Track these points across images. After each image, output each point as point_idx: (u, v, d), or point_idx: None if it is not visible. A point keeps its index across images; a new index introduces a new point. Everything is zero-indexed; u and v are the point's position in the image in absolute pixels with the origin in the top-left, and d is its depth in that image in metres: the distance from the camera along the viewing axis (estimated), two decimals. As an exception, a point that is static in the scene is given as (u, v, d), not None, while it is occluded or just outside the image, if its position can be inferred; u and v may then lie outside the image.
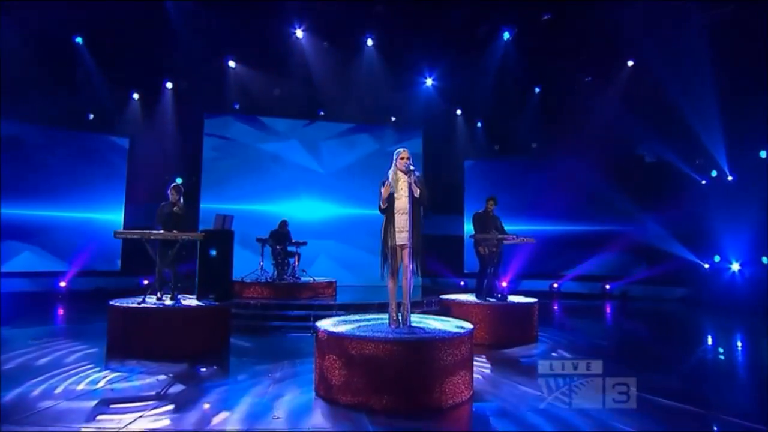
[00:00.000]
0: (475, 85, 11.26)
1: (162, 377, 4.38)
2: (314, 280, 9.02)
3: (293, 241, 9.34)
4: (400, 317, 4.25)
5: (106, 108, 10.71)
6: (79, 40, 9.20)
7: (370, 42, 10.54)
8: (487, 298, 6.61)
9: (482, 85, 11.17)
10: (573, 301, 11.51)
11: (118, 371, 4.54)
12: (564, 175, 12.41)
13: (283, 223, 9.47)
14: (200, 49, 9.69)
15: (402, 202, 4.29)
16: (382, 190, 4.35)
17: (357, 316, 4.90)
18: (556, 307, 10.46)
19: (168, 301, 5.62)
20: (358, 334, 3.81)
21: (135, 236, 5.52)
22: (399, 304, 4.33)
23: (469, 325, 4.33)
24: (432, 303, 8.37)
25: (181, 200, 6.14)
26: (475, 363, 4.29)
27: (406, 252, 4.25)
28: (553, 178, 12.58)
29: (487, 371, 4.91)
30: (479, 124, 13.26)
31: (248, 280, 8.63)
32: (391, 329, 4.12)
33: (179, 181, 11.45)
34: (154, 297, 5.85)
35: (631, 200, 11.62)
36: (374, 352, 3.63)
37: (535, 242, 7.38)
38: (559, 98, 11.76)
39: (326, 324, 4.29)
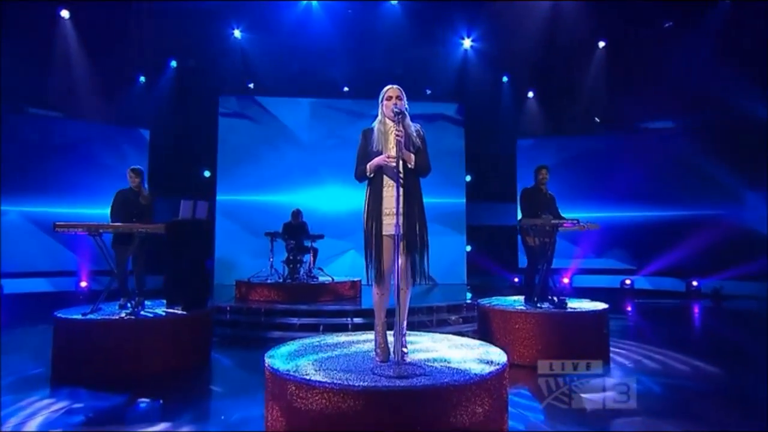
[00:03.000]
0: (524, 45, 9.39)
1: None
2: (333, 279, 7.70)
3: (309, 234, 8.08)
4: (392, 349, 2.79)
5: (116, 96, 9.91)
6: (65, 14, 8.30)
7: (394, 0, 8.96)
8: (539, 304, 4.98)
9: (532, 44, 9.29)
10: (651, 301, 9.49)
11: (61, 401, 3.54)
12: (640, 150, 10.36)
13: (296, 214, 8.22)
14: (206, 23, 8.60)
15: (389, 170, 2.84)
16: (360, 150, 2.95)
17: (344, 337, 3.49)
18: (629, 310, 8.53)
19: (123, 313, 4.48)
20: (307, 376, 2.39)
21: (80, 230, 4.41)
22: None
23: (500, 357, 2.81)
24: (465, 310, 6.84)
25: (146, 186, 5.00)
26: (514, 401, 2.78)
27: (402, 244, 2.80)
28: (624, 155, 10.57)
29: (534, 417, 3.34)
30: (531, 94, 11.35)
31: (255, 281, 7.45)
32: (376, 364, 2.68)
33: (206, 174, 10.55)
34: (118, 306, 4.79)
35: (725, 176, 9.39)
36: (333, 408, 2.22)
37: (601, 229, 5.63)
38: (630, 53, 9.60)
39: (283, 352, 2.92)
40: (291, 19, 8.67)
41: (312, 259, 7.99)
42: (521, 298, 5.51)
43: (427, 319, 6.62)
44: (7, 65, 7.64)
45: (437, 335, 3.60)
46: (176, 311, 4.62)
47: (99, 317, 4.29)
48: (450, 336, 3.51)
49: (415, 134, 2.92)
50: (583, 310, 4.84)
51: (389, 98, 2.95)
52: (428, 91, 10.63)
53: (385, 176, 2.87)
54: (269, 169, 10.59)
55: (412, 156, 2.87)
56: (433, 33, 9.45)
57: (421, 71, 10.12)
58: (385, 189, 2.86)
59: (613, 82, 9.95)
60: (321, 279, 7.80)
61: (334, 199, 10.55)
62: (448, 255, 10.63)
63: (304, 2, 8.69)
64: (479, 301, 5.44)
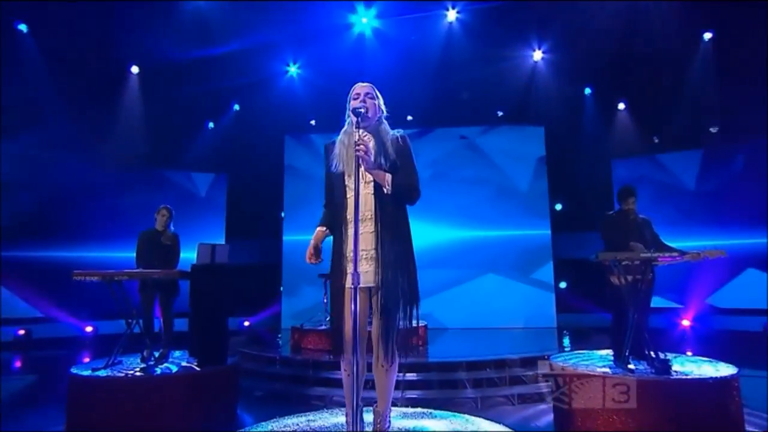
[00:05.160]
0: (606, 49, 8.10)
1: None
2: (392, 325, 6.89)
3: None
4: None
5: (189, 142, 10.33)
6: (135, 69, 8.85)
7: (451, 15, 8.26)
8: (631, 364, 3.76)
9: (616, 47, 7.97)
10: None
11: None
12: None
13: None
14: (262, 64, 8.63)
15: (361, 199, 2.08)
16: (325, 175, 2.25)
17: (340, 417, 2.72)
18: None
19: (138, 368, 4.10)
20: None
21: (96, 278, 4.16)
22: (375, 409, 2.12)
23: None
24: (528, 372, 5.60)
25: (171, 227, 4.71)
26: None
27: (375, 301, 2.03)
28: (751, 169, 8.66)
29: None
30: (622, 106, 9.85)
31: (308, 327, 6.90)
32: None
33: (282, 215, 10.53)
34: (141, 357, 4.46)
35: None
36: None
37: (733, 259, 4.26)
38: (747, 42, 7.80)
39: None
40: (344, 50, 8.37)
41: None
42: (609, 356, 4.29)
43: (496, 376, 5.51)
44: (90, 125, 8.24)
45: (458, 419, 2.67)
46: (193, 366, 4.17)
47: (108, 374, 3.94)
48: (478, 420, 2.56)
49: (390, 144, 2.14)
50: (698, 377, 3.52)
51: (356, 97, 2.23)
52: (500, 113, 9.66)
53: (348, 208, 2.13)
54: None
55: (388, 176, 2.10)
56: (498, 48, 8.56)
57: (489, 92, 9.22)
58: (351, 224, 2.11)
59: (728, 82, 8.19)
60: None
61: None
62: (533, 293, 9.32)
63: (357, 31, 8.36)
64: (552, 357, 4.31)
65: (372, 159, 2.03)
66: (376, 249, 2.02)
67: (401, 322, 2.10)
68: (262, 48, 8.14)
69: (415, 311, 2.16)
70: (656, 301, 8.02)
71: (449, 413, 2.91)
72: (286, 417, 2.83)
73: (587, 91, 9.78)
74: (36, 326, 9.37)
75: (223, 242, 11.29)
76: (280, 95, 9.28)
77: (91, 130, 8.38)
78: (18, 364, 8.01)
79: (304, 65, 9.20)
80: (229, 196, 11.15)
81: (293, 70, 9.25)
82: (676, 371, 3.59)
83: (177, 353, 4.83)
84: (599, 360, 4.22)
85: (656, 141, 9.77)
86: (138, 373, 3.93)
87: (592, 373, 3.66)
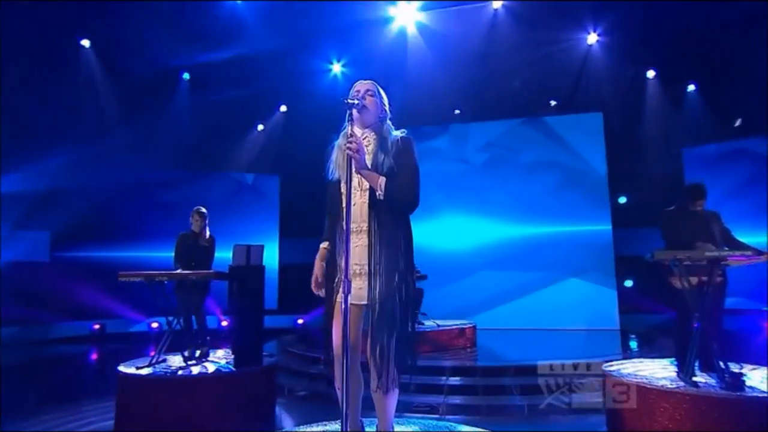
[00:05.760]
0: (673, 26, 7.38)
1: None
2: (437, 325, 6.69)
3: (417, 274, 7.22)
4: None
5: (240, 145, 10.64)
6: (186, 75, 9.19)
7: (497, 3, 7.84)
8: (696, 377, 3.34)
9: (683, 20, 7.24)
10: None
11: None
12: None
13: (401, 251, 7.45)
14: (306, 64, 8.69)
15: (355, 209, 1.97)
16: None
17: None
18: None
19: (178, 367, 4.19)
20: None
21: (139, 278, 4.30)
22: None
23: None
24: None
25: (207, 230, 4.78)
26: None
27: (368, 319, 1.89)
28: None
29: None
30: (691, 88, 8.97)
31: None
32: None
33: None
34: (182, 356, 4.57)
35: None
36: None
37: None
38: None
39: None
40: (386, 45, 8.22)
41: (416, 301, 7.10)
42: (672, 364, 3.85)
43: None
44: (144, 131, 8.68)
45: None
46: (230, 367, 4.21)
47: (149, 372, 4.05)
48: None
49: (391, 145, 1.96)
50: (775, 393, 3.06)
51: (355, 95, 2.09)
52: (552, 102, 9.12)
53: (346, 217, 1.97)
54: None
55: (381, 179, 1.92)
56: (548, 33, 8.05)
57: (540, 80, 8.72)
58: (349, 235, 1.94)
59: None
60: (426, 325, 6.85)
61: (449, 233, 9.58)
62: (592, 293, 8.73)
63: (397, 27, 8.17)
64: (606, 367, 3.94)
65: (364, 158, 1.87)
66: (369, 263, 1.87)
67: (397, 342, 1.92)
68: (304, 48, 8.18)
69: (406, 337, 1.97)
70: (737, 303, 7.24)
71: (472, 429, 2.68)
72: (307, 425, 2.73)
73: (650, 73, 9.00)
74: (109, 321, 10.05)
75: (276, 242, 11.56)
76: (325, 94, 9.30)
77: (145, 136, 8.83)
78: (94, 356, 8.59)
79: (348, 63, 9.17)
80: (281, 196, 11.39)
81: (337, 68, 9.24)
82: (751, 386, 3.14)
83: (220, 352, 4.92)
84: (661, 369, 3.81)
85: (738, 124, 8.76)
86: (177, 373, 4.02)
87: (649, 386, 3.29)
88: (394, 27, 8.24)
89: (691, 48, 7.94)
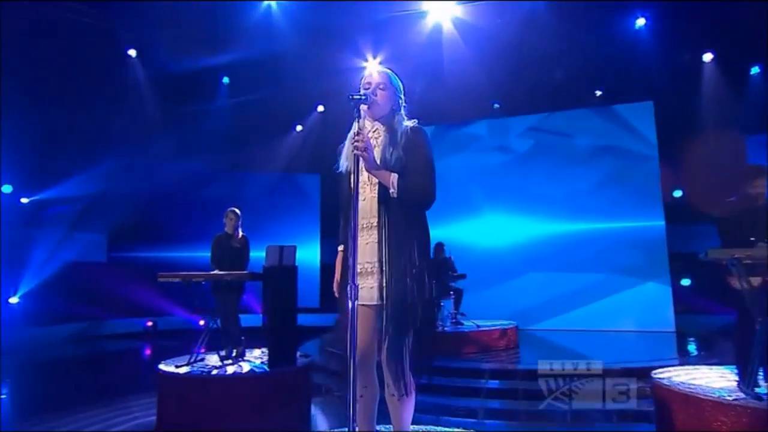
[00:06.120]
0: (729, 3, 6.80)
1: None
2: (477, 326, 6.51)
3: (453, 273, 7.07)
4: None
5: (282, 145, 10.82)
6: (226, 80, 9.39)
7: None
8: (759, 388, 3.02)
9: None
10: None
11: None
12: None
13: (439, 249, 7.31)
14: (341, 60, 8.66)
15: (365, 204, 1.88)
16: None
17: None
18: None
19: (214, 366, 4.27)
20: None
21: (177, 279, 4.40)
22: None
23: None
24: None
25: (240, 230, 4.84)
26: None
27: (381, 320, 1.80)
28: None
29: None
30: (756, 70, 8.26)
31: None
32: None
33: None
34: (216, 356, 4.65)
35: None
36: None
37: None
38: None
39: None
40: (421, 41, 8.06)
41: (455, 302, 6.94)
42: (732, 374, 3.52)
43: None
44: (186, 134, 8.98)
45: None
46: (264, 367, 4.24)
47: (186, 371, 4.14)
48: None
49: (401, 136, 1.85)
50: None
51: (366, 87, 1.97)
52: (598, 92, 8.66)
53: (356, 212, 1.88)
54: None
55: (393, 176, 1.81)
56: (591, 19, 7.62)
57: (585, 68, 8.29)
58: (358, 233, 1.86)
59: None
60: (465, 326, 6.69)
61: (491, 230, 9.32)
62: (645, 292, 8.24)
63: (432, 22, 7.97)
64: (654, 375, 3.66)
65: (373, 156, 1.78)
66: (380, 261, 1.77)
67: (412, 344, 1.82)
68: (339, 45, 8.17)
69: (430, 328, 1.87)
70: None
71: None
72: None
73: (707, 57, 8.36)
74: (161, 318, 10.49)
75: (317, 241, 11.66)
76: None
77: (187, 139, 9.12)
78: (147, 351, 8.99)
79: (384, 60, 9.07)
80: (322, 195, 11.48)
81: (372, 65, 9.18)
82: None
83: (257, 351, 4.97)
84: (719, 378, 3.50)
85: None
86: (211, 372, 4.09)
87: (703, 396, 3.01)
88: (429, 21, 8.07)
89: (754, 26, 7.29)
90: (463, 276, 6.94)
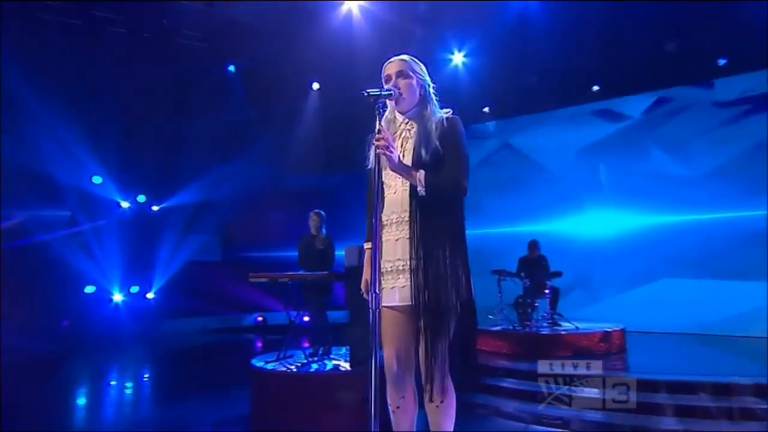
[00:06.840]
0: None
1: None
2: (577, 328, 6.02)
3: (548, 271, 6.64)
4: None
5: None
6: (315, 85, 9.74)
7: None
8: None
9: None
10: None
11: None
12: None
13: (534, 246, 6.91)
14: (426, 54, 8.55)
15: (395, 197, 1.78)
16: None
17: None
18: None
19: (298, 363, 4.45)
20: None
21: (265, 279, 4.67)
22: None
23: None
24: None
25: (324, 231, 4.97)
26: None
27: (420, 325, 1.69)
28: None
29: None
30: None
31: (480, 328, 6.49)
32: None
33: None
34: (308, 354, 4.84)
35: None
36: None
37: None
38: None
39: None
40: (506, 29, 7.60)
41: (551, 301, 6.48)
42: None
43: (714, 405, 4.22)
44: (279, 140, 9.49)
45: None
46: (345, 366, 4.33)
47: (273, 367, 4.36)
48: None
49: (435, 126, 1.71)
50: None
51: (386, 80, 1.84)
52: (721, 62, 7.48)
53: (384, 210, 1.78)
54: (517, 198, 9.41)
55: (420, 174, 1.69)
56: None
57: (704, 35, 7.21)
58: (385, 228, 1.75)
59: None
60: (563, 327, 6.22)
61: (594, 225, 8.58)
62: (745, 295, 6.97)
63: (517, 11, 7.43)
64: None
65: (396, 154, 1.66)
66: (412, 259, 1.65)
67: (450, 347, 1.69)
68: (424, 40, 8.06)
69: (471, 329, 1.72)
70: None
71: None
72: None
73: None
74: (270, 314, 11.27)
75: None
76: (446, 86, 9.05)
77: (280, 145, 9.64)
78: (259, 344, 9.72)
79: (469, 53, 8.76)
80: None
81: (458, 58, 8.88)
82: None
83: (343, 350, 5.09)
84: None
85: None
86: (292, 369, 4.26)
87: None
88: (514, 11, 7.60)
89: None
90: (559, 274, 6.46)
